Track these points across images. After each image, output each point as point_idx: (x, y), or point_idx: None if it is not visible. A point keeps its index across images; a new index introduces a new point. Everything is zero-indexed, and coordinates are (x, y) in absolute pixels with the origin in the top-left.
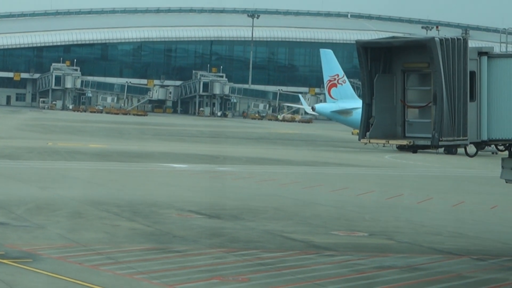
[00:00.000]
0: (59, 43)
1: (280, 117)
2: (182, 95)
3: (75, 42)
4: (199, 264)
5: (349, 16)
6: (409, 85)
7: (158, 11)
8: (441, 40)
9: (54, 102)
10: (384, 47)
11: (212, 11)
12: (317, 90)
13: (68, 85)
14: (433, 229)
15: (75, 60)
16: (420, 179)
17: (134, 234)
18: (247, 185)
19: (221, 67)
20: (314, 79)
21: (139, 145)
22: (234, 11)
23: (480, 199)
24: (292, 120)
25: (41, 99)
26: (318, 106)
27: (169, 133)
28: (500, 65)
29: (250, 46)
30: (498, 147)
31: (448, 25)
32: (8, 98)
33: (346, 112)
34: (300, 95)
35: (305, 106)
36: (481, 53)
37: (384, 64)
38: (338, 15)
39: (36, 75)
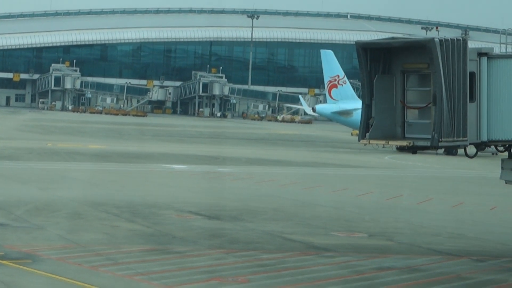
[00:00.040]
0: (58, 44)
1: (279, 117)
2: (181, 96)
3: (75, 43)
4: (199, 265)
5: (348, 16)
6: (409, 86)
7: (157, 11)
8: (440, 40)
9: (53, 103)
10: (383, 48)
11: (212, 11)
12: (316, 91)
13: (68, 85)
14: (433, 230)
15: (74, 60)
16: (420, 180)
17: (134, 235)
18: (247, 186)
19: (221, 67)
20: (313, 80)
21: (138, 146)
22: (234, 12)
23: (480, 200)
24: (292, 121)
25: (40, 100)
26: (318, 107)
27: (168, 133)
28: (500, 66)
29: (250, 46)
30: (498, 148)
31: (447, 25)
32: (8, 98)
33: (347, 113)
34: (300, 96)
35: (305, 106)
36: (480, 53)
37: (383, 65)
38: (338, 15)
39: (36, 76)
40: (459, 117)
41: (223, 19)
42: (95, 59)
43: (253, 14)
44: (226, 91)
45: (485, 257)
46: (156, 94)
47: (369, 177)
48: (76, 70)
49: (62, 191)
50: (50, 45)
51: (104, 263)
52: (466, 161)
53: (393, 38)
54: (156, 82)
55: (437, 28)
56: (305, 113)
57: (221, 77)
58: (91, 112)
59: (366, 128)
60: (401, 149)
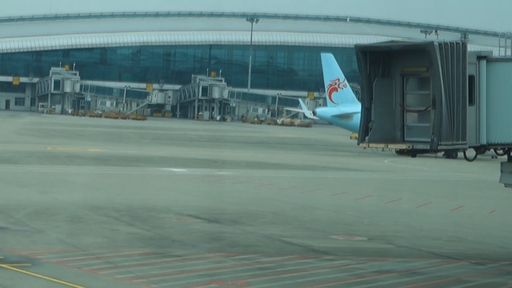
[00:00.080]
0: (58, 47)
1: (279, 121)
2: (181, 99)
3: (74, 46)
4: (198, 269)
5: (348, 20)
6: (408, 89)
7: (157, 15)
8: (440, 44)
9: (53, 106)
10: (383, 51)
11: (211, 15)
12: (316, 94)
13: (67, 89)
14: (432, 234)
15: (74, 64)
16: (419, 183)
17: (133, 239)
18: (246, 190)
19: (220, 71)
20: (313, 83)
21: (138, 149)
22: (233, 15)
23: (479, 203)
24: (291, 124)
25: (40, 103)
26: (319, 110)
27: (168, 137)
28: (499, 69)
29: (249, 50)
30: (497, 151)
31: (447, 29)
32: (7, 102)
33: (347, 116)
34: (300, 99)
35: (305, 110)
36: (480, 57)
37: (383, 68)
38: (337, 19)
39: (35, 79)
40: (458, 120)
41: (223, 23)
42: (94, 62)
43: (252, 18)
44: (225, 95)
45: (485, 261)
46: (156, 98)
47: (369, 180)
48: (75, 74)
49: (62, 194)
50: (50, 48)
51: (103, 267)
52: (465, 165)
53: (392, 41)
54: (155, 86)
55: (436, 31)
56: (305, 117)
57: (221, 81)
58: (90, 116)
59: (365, 132)
60: (400, 152)
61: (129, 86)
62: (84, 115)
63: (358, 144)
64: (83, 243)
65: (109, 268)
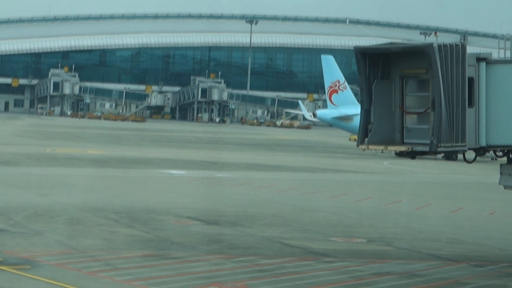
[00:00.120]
0: (57, 49)
1: (278, 123)
2: (180, 101)
3: (73, 48)
4: (198, 271)
5: (347, 22)
6: (408, 91)
7: (156, 17)
8: (439, 46)
9: (52, 108)
10: (382, 53)
11: (210, 17)
12: (315, 96)
13: (67, 91)
14: (432, 235)
15: (73, 66)
16: (419, 185)
17: (133, 241)
18: (245, 192)
19: (220, 73)
20: (312, 85)
21: (137, 151)
22: (232, 17)
23: (479, 205)
24: (291, 126)
25: (39, 105)
26: (319, 112)
27: (167, 139)
28: (499, 71)
29: (249, 52)
30: (497, 153)
31: (446, 31)
32: (6, 104)
33: (347, 118)
34: (299, 101)
35: (304, 112)
36: (479, 59)
37: (382, 70)
38: (337, 21)
39: (34, 81)
40: (457, 122)
41: (222, 25)
42: (93, 64)
43: (251, 20)
44: (225, 97)
45: (484, 263)
46: (155, 100)
47: (368, 182)
48: (74, 76)
49: (61, 196)
50: (49, 50)
51: (103, 269)
52: (465, 167)
53: (391, 43)
54: (155, 88)
55: (435, 33)
56: (304, 118)
57: (220, 83)
58: (89, 118)
59: (365, 134)
60: (400, 154)
61: (128, 88)
62: (83, 117)
63: (358, 146)
64: (82, 245)
65: (108, 270)
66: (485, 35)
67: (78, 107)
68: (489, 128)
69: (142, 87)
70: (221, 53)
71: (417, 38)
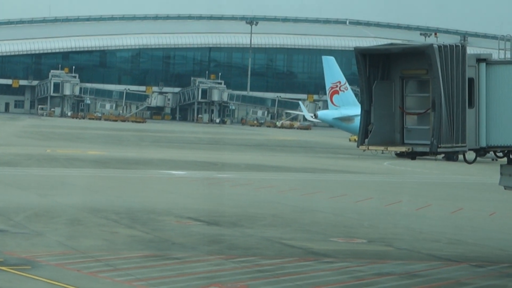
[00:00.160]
0: (57, 50)
1: (278, 123)
2: (180, 102)
3: (74, 49)
4: (198, 271)
5: (347, 22)
6: (408, 92)
7: (156, 18)
8: (439, 47)
9: (52, 109)
10: (382, 54)
11: (211, 18)
12: (315, 97)
13: (67, 92)
14: (432, 236)
15: (73, 67)
16: (419, 186)
17: (133, 241)
18: (246, 192)
19: (220, 73)
20: (312, 86)
21: (137, 152)
22: (233, 18)
23: (479, 205)
24: (291, 127)
25: (39, 106)
26: (320, 112)
27: (167, 140)
28: (499, 72)
29: (249, 53)
30: (497, 153)
31: (446, 31)
32: (7, 105)
33: (348, 119)
34: (300, 102)
35: (305, 112)
36: (479, 59)
37: (382, 71)
38: (337, 22)
39: (35, 82)
40: (458, 123)
41: (222, 25)
42: (94, 65)
43: (252, 20)
44: (225, 97)
45: (484, 263)
46: (155, 100)
47: (368, 183)
48: (75, 77)
49: (61, 197)
50: (49, 51)
51: (103, 269)
52: (465, 167)
53: (392, 44)
54: (155, 88)
55: (435, 34)
56: (304, 119)
57: (220, 83)
58: (90, 118)
59: (365, 134)
60: (400, 155)
61: (128, 89)
62: (83, 118)
63: (358, 146)
64: (83, 245)
65: (108, 271)
66: (485, 36)
67: (79, 108)
68: (489, 128)
69: (142, 88)
70: (221, 54)
71: (417, 39)
